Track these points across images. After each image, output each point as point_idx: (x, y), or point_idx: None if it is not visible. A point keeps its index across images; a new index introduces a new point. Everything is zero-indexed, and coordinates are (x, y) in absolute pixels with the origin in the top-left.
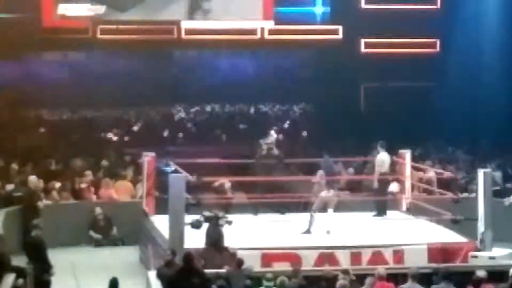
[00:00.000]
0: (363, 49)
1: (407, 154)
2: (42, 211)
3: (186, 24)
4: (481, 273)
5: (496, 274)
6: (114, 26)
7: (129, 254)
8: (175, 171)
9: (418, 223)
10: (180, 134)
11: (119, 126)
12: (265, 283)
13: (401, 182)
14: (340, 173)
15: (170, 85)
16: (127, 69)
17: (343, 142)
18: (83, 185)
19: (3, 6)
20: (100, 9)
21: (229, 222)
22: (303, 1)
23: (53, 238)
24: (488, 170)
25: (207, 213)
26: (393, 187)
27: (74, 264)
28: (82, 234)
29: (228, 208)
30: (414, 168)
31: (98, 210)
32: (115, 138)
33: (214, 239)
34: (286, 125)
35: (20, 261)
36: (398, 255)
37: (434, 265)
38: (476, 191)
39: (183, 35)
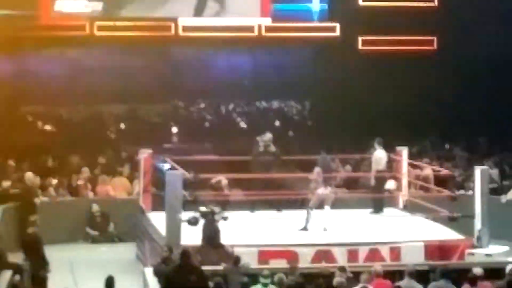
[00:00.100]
0: (360, 46)
1: (404, 151)
2: (39, 208)
3: (183, 21)
4: (477, 270)
5: (493, 271)
6: (112, 23)
7: (126, 250)
8: (172, 168)
9: (415, 220)
10: (176, 130)
11: (119, 122)
12: (261, 280)
13: (398, 179)
14: (337, 170)
15: (167, 82)
16: (124, 66)
17: (340, 139)
18: (80, 182)
19: (0, 2)
20: (98, 5)
21: (225, 218)
22: None
23: (50, 234)
24: (485, 167)
25: (203, 209)
26: (390, 184)
27: (71, 261)
28: (79, 231)
29: (225, 205)
30: (411, 165)
31: (95, 206)
32: (113, 136)
33: (210, 234)
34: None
35: (17, 257)
36: (395, 252)
37: (431, 262)
38: (473, 188)
39: (180, 32)
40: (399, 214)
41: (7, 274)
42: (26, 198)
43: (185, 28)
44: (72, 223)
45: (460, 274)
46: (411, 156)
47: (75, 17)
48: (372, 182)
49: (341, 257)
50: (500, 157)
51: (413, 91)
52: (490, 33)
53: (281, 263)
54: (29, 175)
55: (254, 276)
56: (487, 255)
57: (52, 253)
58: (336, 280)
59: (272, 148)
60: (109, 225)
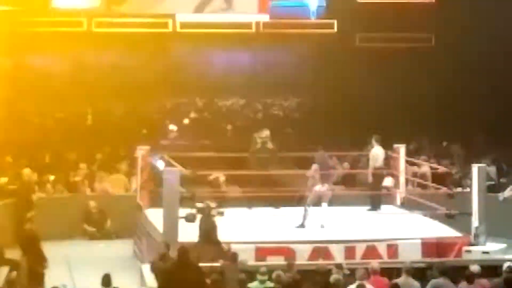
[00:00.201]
0: (358, 43)
1: (401, 148)
2: (36, 204)
3: (181, 18)
4: (474, 268)
5: (490, 269)
6: (109, 19)
7: (123, 247)
8: (169, 165)
9: (412, 218)
10: (175, 127)
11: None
12: (259, 277)
13: (395, 176)
14: (335, 167)
15: (164, 79)
16: (122, 62)
17: (338, 136)
18: (77, 178)
19: None
20: (96, 1)
21: (221, 213)
22: None
23: (47, 231)
24: (482, 165)
25: (199, 204)
26: (388, 181)
27: (68, 257)
28: (76, 227)
29: (223, 202)
30: (408, 162)
31: (92, 203)
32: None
33: (207, 229)
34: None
35: (14, 254)
36: (392, 249)
37: (428, 259)
38: (470, 185)
39: (178, 29)
40: (397, 211)
41: (4, 270)
42: (23, 194)
43: (183, 25)
44: (69, 219)
45: (457, 272)
46: (408, 153)
47: (74, 13)
48: (370, 179)
49: (338, 254)
50: (498, 154)
51: (410, 88)
52: (488, 30)
53: (279, 260)
54: (26, 171)
55: (251, 273)
56: (484, 252)
57: (49, 249)
58: (333, 277)
59: (270, 145)
60: (106, 222)
